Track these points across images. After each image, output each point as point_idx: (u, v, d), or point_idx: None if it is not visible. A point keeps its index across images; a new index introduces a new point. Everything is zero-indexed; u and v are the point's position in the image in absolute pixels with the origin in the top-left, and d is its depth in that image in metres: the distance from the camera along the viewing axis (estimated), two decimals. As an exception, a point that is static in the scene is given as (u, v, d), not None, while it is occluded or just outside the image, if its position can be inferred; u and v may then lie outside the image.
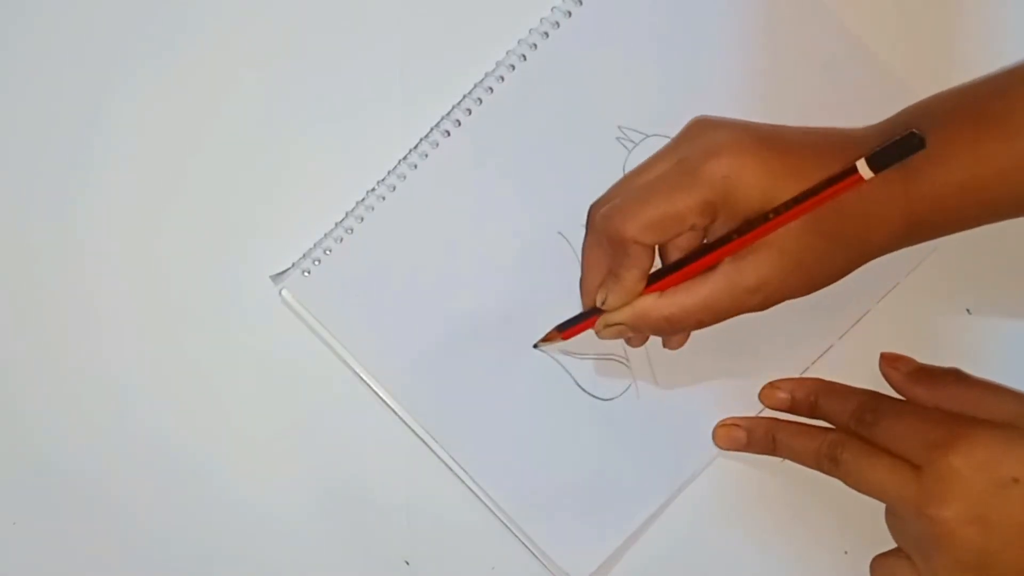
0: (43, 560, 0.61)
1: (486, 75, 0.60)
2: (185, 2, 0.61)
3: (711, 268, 0.48)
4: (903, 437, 0.48)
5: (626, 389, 0.60)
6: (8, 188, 0.61)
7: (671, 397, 0.60)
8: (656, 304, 0.48)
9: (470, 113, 0.60)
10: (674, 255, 0.50)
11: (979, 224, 0.49)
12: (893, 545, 0.50)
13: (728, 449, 0.58)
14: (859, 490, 0.49)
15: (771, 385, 0.55)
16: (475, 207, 0.60)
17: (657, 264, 0.50)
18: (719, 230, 0.48)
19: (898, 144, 0.45)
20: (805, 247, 0.47)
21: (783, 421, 0.55)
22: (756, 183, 0.46)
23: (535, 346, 0.56)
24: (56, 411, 0.61)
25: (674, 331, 0.49)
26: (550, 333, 0.54)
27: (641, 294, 0.49)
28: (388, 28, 0.61)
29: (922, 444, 0.47)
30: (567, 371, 0.60)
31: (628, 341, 0.52)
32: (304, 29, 0.61)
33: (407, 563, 0.61)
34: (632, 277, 0.48)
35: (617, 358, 0.60)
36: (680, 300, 0.48)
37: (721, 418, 0.58)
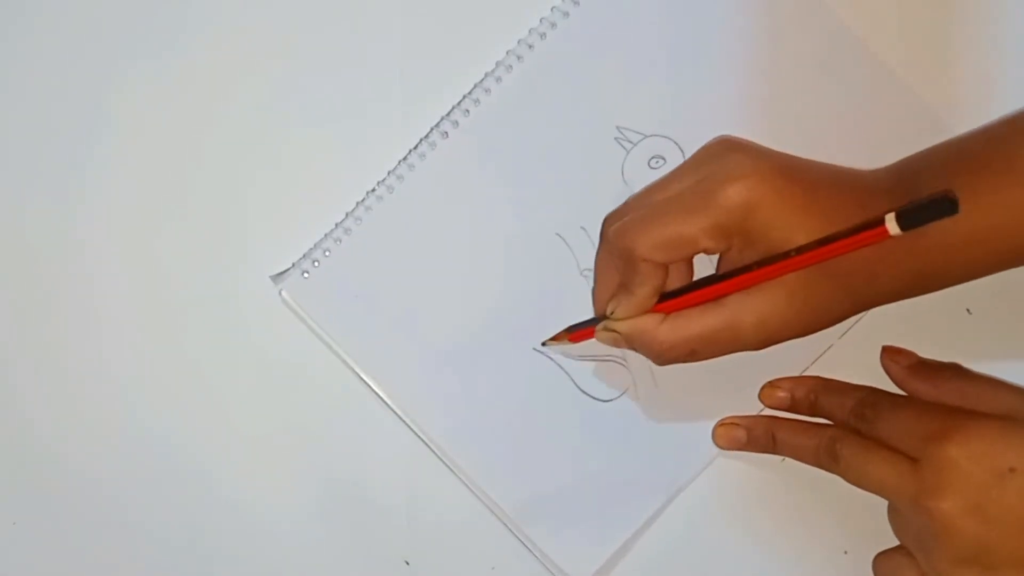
0: (43, 560, 0.61)
1: (484, 76, 0.60)
2: (185, 2, 0.61)
3: (718, 300, 0.48)
4: (901, 431, 0.48)
5: (625, 391, 0.60)
6: (8, 188, 0.61)
7: (670, 398, 0.60)
8: (657, 327, 0.49)
9: (468, 114, 0.60)
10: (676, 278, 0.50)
11: (986, 274, 0.50)
12: (893, 544, 0.50)
13: (728, 448, 0.58)
14: (859, 485, 0.49)
15: (770, 384, 0.55)
16: (473, 208, 0.60)
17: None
18: (733, 259, 0.48)
19: (930, 205, 0.43)
20: (814, 290, 0.47)
21: (782, 419, 0.55)
22: (775, 215, 0.46)
23: (543, 344, 0.56)
24: (56, 411, 0.61)
25: (667, 359, 0.50)
26: (559, 334, 0.55)
27: (650, 311, 0.49)
28: (388, 28, 0.61)
29: (920, 437, 0.47)
30: (566, 373, 0.60)
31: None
32: (304, 29, 0.61)
33: (407, 563, 0.61)
34: (643, 293, 0.48)
35: (616, 360, 0.60)
36: (680, 328, 0.48)
37: (720, 418, 0.58)
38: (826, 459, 0.51)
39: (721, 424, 0.57)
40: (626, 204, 0.50)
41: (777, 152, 0.49)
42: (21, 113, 0.61)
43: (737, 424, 0.56)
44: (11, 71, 0.61)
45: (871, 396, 0.51)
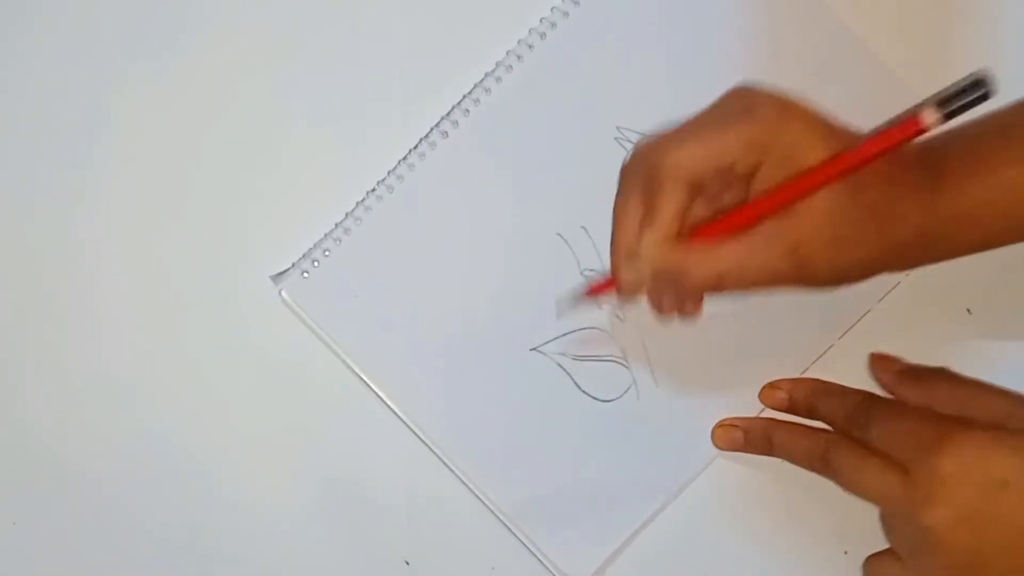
0: (43, 560, 0.61)
1: (484, 76, 0.60)
2: (185, 2, 0.61)
3: (749, 229, 0.46)
4: (894, 438, 0.47)
5: (626, 390, 0.60)
6: (8, 188, 0.61)
7: (670, 398, 0.60)
8: (685, 256, 0.46)
9: (468, 114, 0.60)
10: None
11: (998, 245, 0.49)
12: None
13: (726, 449, 0.58)
14: (851, 492, 0.49)
15: (771, 385, 0.55)
16: (473, 208, 0.60)
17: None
18: (759, 190, 0.46)
19: (964, 89, 0.42)
20: (845, 216, 0.45)
21: (780, 422, 0.55)
22: (805, 132, 0.45)
23: (556, 305, 0.56)
24: (56, 411, 0.61)
25: (696, 286, 0.47)
26: (574, 293, 0.52)
27: (676, 239, 0.46)
28: (388, 28, 0.61)
29: (912, 445, 0.46)
30: (567, 373, 0.60)
31: (654, 303, 0.50)
32: (304, 29, 0.61)
33: (407, 563, 0.61)
34: (667, 212, 0.46)
35: (616, 359, 0.60)
36: (710, 255, 0.46)
37: (719, 419, 0.58)
38: (820, 464, 0.50)
39: (719, 425, 0.57)
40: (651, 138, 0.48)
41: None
42: (21, 114, 0.61)
43: (735, 425, 0.56)
44: (11, 71, 0.61)
45: (866, 401, 0.51)
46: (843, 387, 0.53)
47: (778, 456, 0.55)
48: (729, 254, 0.46)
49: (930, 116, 0.42)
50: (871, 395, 0.51)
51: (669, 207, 0.46)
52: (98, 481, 0.61)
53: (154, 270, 0.61)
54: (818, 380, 0.55)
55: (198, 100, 0.61)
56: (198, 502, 0.61)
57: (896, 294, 0.60)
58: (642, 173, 0.46)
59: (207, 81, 0.61)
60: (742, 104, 0.46)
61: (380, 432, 0.60)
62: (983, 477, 0.45)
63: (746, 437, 0.56)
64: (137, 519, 0.61)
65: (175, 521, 0.61)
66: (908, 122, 0.43)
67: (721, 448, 0.58)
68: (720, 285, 0.46)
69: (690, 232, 0.47)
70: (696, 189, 0.46)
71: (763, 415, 0.58)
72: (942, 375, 0.52)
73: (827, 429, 0.52)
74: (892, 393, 0.53)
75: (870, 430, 0.49)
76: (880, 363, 0.54)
